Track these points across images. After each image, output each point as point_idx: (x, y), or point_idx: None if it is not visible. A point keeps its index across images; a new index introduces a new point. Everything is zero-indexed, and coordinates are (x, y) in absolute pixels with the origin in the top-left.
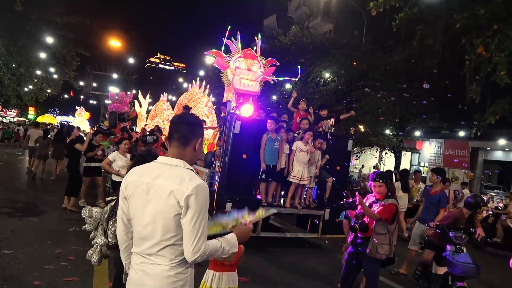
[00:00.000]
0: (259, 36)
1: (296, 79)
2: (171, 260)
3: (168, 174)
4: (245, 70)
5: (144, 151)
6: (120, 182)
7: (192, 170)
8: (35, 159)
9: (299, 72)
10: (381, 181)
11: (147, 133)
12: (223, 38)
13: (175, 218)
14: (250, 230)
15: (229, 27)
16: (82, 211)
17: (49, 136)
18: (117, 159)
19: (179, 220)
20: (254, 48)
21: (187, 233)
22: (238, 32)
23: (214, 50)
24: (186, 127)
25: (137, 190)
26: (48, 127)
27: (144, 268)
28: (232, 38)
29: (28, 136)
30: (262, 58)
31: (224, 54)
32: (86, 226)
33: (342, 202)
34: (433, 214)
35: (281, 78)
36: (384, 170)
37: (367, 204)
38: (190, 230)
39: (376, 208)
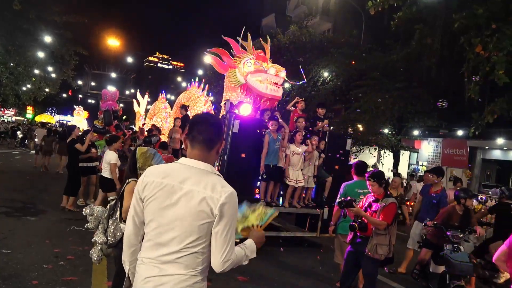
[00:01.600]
0: (268, 38)
1: (304, 82)
2: (192, 269)
3: (197, 179)
4: (273, 76)
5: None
6: (109, 179)
7: (220, 175)
8: (42, 155)
9: (302, 72)
10: (372, 180)
11: (145, 133)
12: (222, 36)
13: (205, 226)
14: (263, 235)
15: (243, 28)
16: (84, 209)
17: (52, 134)
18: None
19: (208, 227)
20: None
21: (219, 243)
22: (249, 34)
23: (220, 48)
24: (212, 129)
25: (160, 192)
26: (47, 126)
27: (157, 280)
28: (239, 39)
29: (35, 135)
30: (271, 60)
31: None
32: (88, 224)
33: (340, 200)
34: (433, 213)
35: (300, 82)
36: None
37: (366, 204)
38: (222, 240)
39: (375, 208)
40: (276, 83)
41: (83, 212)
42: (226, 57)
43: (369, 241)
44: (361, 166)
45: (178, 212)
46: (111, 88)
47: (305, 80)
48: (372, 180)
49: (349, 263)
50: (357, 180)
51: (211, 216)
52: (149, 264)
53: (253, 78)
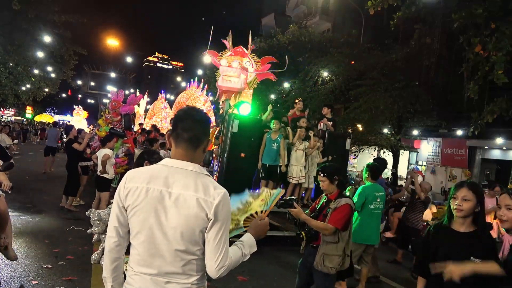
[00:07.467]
0: (250, 33)
1: (284, 69)
2: (192, 277)
3: (186, 181)
4: (226, 67)
5: (144, 149)
6: (104, 179)
7: (209, 175)
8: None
9: (287, 62)
10: (322, 175)
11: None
12: (215, 32)
13: (201, 231)
14: (266, 225)
15: (230, 31)
16: (91, 215)
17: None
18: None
19: (203, 233)
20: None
21: (212, 248)
22: (230, 31)
23: (212, 50)
24: (199, 126)
25: (146, 199)
26: (46, 126)
27: None
28: (227, 37)
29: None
30: (254, 55)
31: (217, 54)
32: (94, 228)
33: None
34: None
35: (285, 71)
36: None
37: (319, 205)
38: (216, 246)
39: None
40: (227, 75)
41: (91, 221)
42: (214, 57)
43: (318, 251)
44: (378, 171)
45: (172, 220)
46: (111, 88)
47: (284, 68)
48: (323, 175)
49: (302, 275)
50: (373, 183)
51: (206, 221)
52: (146, 277)
53: (219, 75)
